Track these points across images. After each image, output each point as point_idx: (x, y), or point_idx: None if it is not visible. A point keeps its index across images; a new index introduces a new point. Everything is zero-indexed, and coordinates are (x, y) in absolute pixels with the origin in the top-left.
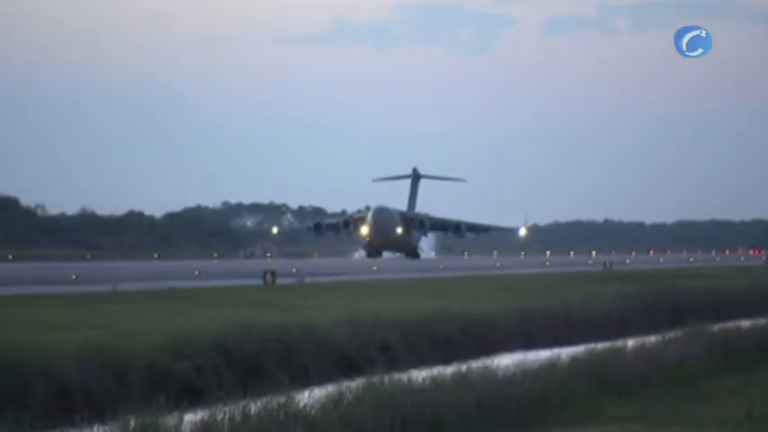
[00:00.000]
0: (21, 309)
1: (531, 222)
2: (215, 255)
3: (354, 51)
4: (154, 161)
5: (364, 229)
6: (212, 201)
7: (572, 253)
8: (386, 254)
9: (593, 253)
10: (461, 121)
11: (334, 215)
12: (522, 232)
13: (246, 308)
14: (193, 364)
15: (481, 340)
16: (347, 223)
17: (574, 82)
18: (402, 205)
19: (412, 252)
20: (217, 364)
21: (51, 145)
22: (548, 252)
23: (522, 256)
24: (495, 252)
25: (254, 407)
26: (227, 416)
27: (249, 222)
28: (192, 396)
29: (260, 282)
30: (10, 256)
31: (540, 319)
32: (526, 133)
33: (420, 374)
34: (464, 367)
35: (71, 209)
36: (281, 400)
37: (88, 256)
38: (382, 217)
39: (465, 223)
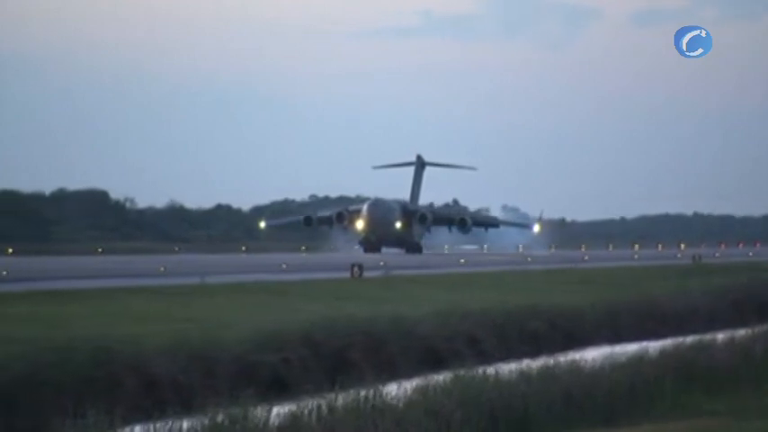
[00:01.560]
0: (110, 302)
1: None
2: (302, 248)
3: (440, 43)
4: (242, 155)
5: (360, 223)
6: (299, 194)
7: (660, 246)
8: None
9: (682, 246)
10: (544, 113)
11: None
12: (536, 228)
13: (333, 301)
14: (281, 356)
15: (569, 334)
16: (341, 216)
17: (661, 73)
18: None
19: (413, 248)
20: (304, 356)
21: (141, 139)
22: (636, 245)
23: (611, 249)
24: (583, 246)
25: (342, 400)
26: (314, 409)
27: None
28: (279, 389)
29: (347, 275)
30: (99, 249)
31: (628, 313)
32: (611, 124)
33: (507, 368)
34: (551, 361)
35: (160, 202)
36: (369, 393)
37: (176, 249)
38: (379, 210)
39: (472, 217)
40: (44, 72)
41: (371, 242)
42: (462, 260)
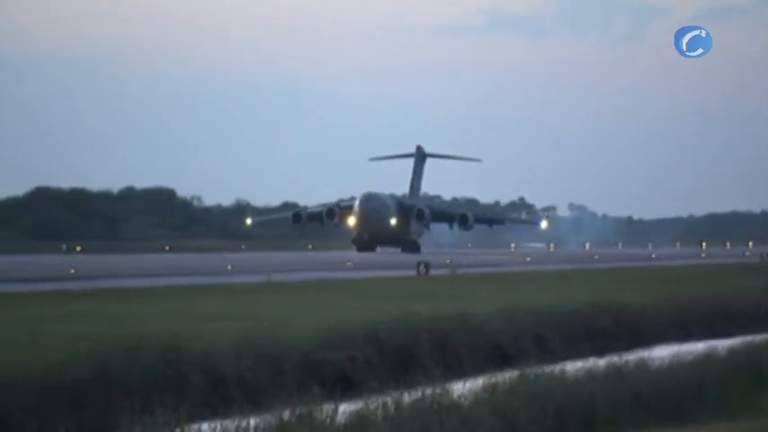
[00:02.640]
0: (178, 300)
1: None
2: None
3: (507, 42)
4: (309, 153)
5: (351, 220)
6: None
7: (728, 244)
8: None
9: (750, 244)
10: (612, 110)
11: (486, 206)
12: (544, 225)
13: (399, 299)
14: (347, 354)
15: (635, 332)
16: (331, 213)
17: (731, 69)
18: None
19: (410, 247)
20: (370, 354)
21: (208, 137)
22: (704, 243)
23: (678, 247)
24: (650, 243)
25: (408, 398)
26: (380, 407)
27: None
28: (345, 386)
29: (413, 273)
30: (167, 247)
31: (696, 311)
32: (678, 121)
33: (573, 366)
34: (618, 359)
35: (227, 200)
36: (434, 391)
37: (242, 247)
38: (371, 205)
39: (474, 213)
40: (110, 72)
41: (364, 240)
42: (528, 258)
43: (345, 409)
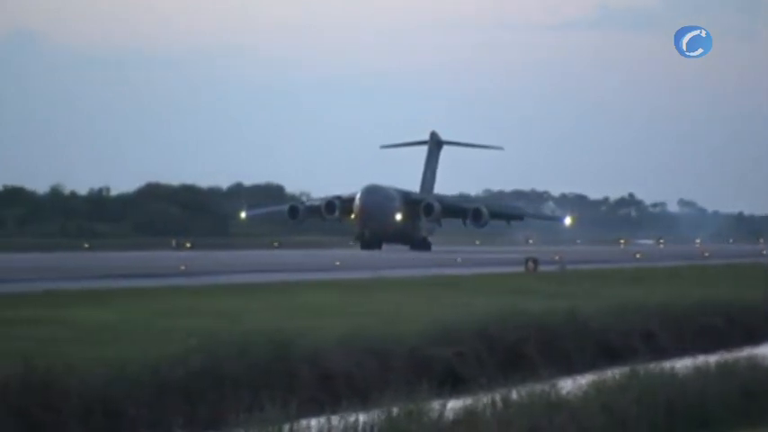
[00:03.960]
0: (286, 296)
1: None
2: (476, 242)
3: (616, 36)
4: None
5: (352, 215)
6: (475, 188)
7: None
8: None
9: None
10: (725, 104)
11: (595, 202)
12: (568, 221)
13: (508, 295)
14: (455, 350)
15: (748, 329)
16: (331, 206)
17: None
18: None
19: (419, 244)
20: (478, 350)
21: (315, 133)
22: (761, 239)
23: (731, 243)
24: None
25: (516, 394)
26: (489, 403)
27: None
28: (453, 383)
29: (522, 269)
30: (275, 244)
31: None
32: None
33: (683, 363)
34: (729, 356)
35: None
36: (543, 387)
37: (350, 244)
38: (374, 199)
39: (490, 208)
40: (217, 68)
41: (366, 237)
42: (638, 255)
43: (454, 405)
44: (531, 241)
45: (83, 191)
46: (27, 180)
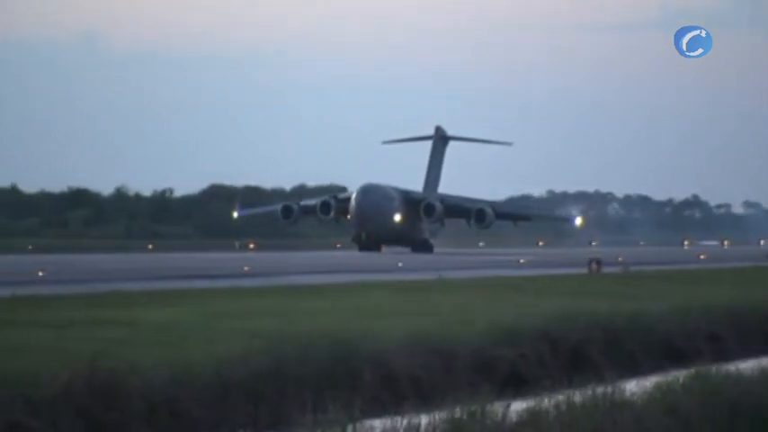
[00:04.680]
0: (349, 296)
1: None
2: (539, 243)
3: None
4: (478, 151)
5: (349, 216)
6: (538, 189)
7: None
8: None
9: None
10: None
11: (660, 204)
12: (579, 222)
13: (571, 296)
14: (518, 351)
15: None
16: (326, 206)
17: None
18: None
19: (420, 246)
20: (541, 352)
21: (382, 134)
22: None
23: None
24: None
25: (580, 396)
26: (552, 405)
27: (574, 211)
28: (516, 384)
29: (585, 270)
30: (338, 245)
31: None
32: None
33: (749, 365)
34: None
35: None
36: (607, 389)
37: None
38: (371, 198)
39: (495, 208)
40: (274, 72)
41: (363, 239)
42: (702, 255)
43: (517, 406)
44: (594, 243)
45: (147, 192)
46: (92, 182)
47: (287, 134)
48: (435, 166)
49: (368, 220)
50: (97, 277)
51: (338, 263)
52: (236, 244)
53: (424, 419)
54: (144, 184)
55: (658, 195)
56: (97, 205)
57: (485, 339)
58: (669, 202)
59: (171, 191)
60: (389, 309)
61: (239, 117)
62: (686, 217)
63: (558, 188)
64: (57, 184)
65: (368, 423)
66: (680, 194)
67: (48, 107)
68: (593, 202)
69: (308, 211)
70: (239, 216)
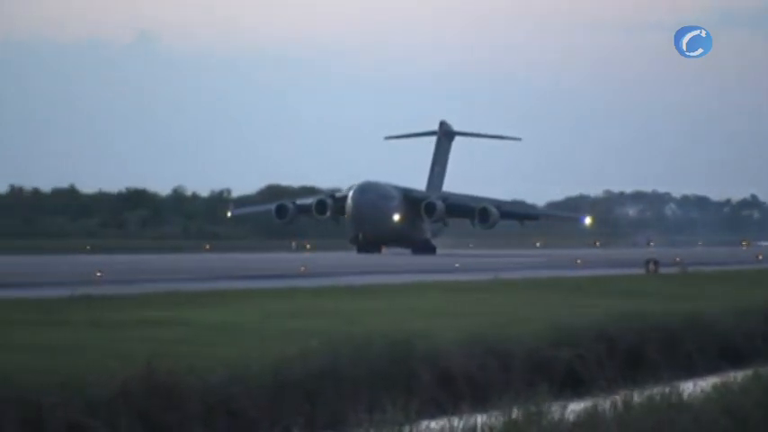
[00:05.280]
0: (406, 297)
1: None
2: (596, 243)
3: (737, 39)
4: (537, 150)
5: (346, 216)
6: (594, 189)
7: None
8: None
9: None
10: None
11: (717, 204)
12: (588, 221)
13: (629, 297)
14: (575, 352)
15: None
16: (322, 205)
17: None
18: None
19: (422, 247)
20: (598, 352)
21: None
22: None
23: None
24: None
25: (637, 397)
26: (609, 405)
27: (631, 211)
28: (573, 385)
29: (642, 271)
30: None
31: None
32: None
33: None
34: None
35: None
36: (665, 390)
37: (470, 245)
38: (368, 197)
39: (500, 207)
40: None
41: (360, 240)
42: (760, 256)
43: (574, 407)
44: (651, 243)
45: (204, 193)
46: (150, 182)
47: (345, 134)
48: (439, 163)
49: (365, 219)
50: (154, 278)
51: (397, 263)
52: (293, 244)
53: (480, 420)
54: (201, 184)
55: (716, 196)
56: (155, 206)
57: (541, 339)
58: (727, 203)
59: (228, 191)
60: (445, 309)
61: (296, 117)
62: (744, 217)
63: (616, 188)
64: (115, 185)
65: (424, 423)
66: (738, 195)
67: (106, 108)
68: (649, 202)
69: (304, 210)
70: (233, 215)
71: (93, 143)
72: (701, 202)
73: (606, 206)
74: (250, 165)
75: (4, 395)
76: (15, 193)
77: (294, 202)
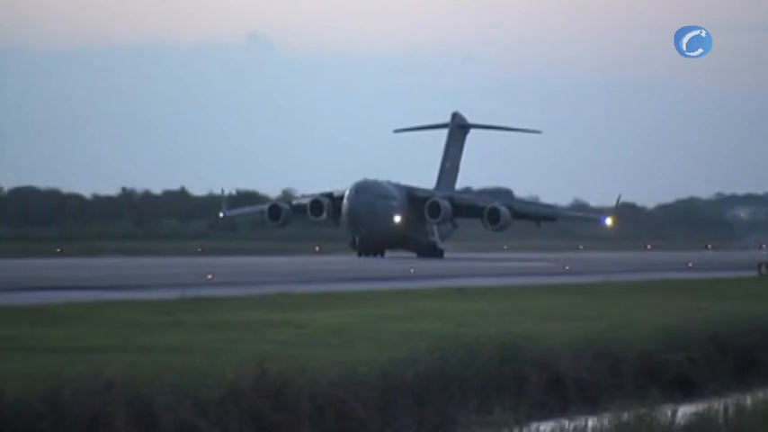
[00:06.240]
0: (513, 299)
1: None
2: (708, 246)
3: None
4: (633, 153)
5: (342, 217)
6: (705, 192)
7: None
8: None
9: None
10: None
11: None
12: (609, 222)
13: (740, 299)
14: (686, 355)
15: None
16: (317, 206)
17: None
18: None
19: (427, 250)
20: (710, 355)
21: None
22: None
23: None
24: None
25: (751, 400)
26: (721, 409)
27: (743, 213)
28: (684, 388)
29: (754, 273)
30: (505, 247)
31: None
32: None
33: None
34: None
35: (564, 199)
36: None
37: (580, 247)
38: (365, 197)
39: (512, 207)
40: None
41: (358, 243)
42: None
43: (685, 411)
44: (763, 246)
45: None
46: (260, 184)
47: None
48: (452, 159)
49: (361, 221)
50: (265, 279)
51: (505, 266)
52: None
53: (590, 423)
54: (311, 186)
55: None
56: None
57: (651, 342)
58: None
59: (336, 192)
60: (555, 311)
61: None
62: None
63: (728, 190)
64: (225, 187)
65: (534, 426)
66: None
67: (215, 109)
68: (763, 204)
69: (299, 211)
70: (225, 216)
71: (204, 145)
72: (749, 199)
73: (718, 208)
74: (355, 165)
75: (117, 395)
76: (126, 195)
77: (289, 203)
